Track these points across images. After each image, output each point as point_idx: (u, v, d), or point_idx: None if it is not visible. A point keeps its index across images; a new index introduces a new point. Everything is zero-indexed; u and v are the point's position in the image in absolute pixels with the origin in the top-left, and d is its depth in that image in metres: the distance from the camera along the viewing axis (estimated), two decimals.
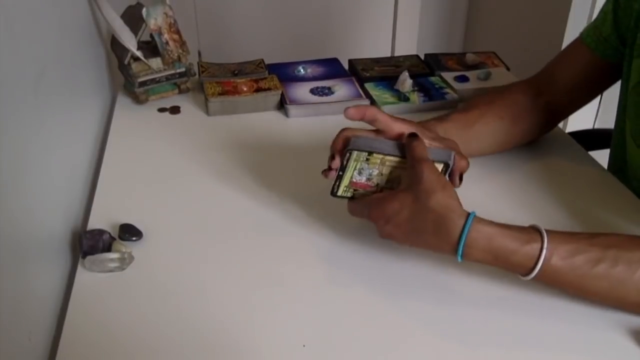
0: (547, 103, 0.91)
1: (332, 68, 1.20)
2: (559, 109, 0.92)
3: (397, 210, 0.65)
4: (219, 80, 1.10)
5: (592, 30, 0.87)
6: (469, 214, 0.63)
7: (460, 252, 0.62)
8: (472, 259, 0.63)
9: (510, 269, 0.63)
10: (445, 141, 0.75)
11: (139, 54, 1.04)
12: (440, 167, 0.69)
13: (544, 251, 0.61)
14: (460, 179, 0.73)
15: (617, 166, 0.90)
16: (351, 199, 0.73)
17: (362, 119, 0.72)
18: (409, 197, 0.65)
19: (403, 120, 0.74)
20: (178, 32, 1.06)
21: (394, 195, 0.67)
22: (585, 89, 0.91)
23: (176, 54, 1.07)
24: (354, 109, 0.72)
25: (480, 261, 0.63)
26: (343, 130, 0.72)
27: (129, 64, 1.05)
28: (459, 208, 0.64)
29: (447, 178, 0.70)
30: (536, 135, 0.94)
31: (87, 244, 0.70)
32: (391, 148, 0.70)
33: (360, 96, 1.08)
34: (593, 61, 0.88)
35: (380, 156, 0.69)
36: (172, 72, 1.09)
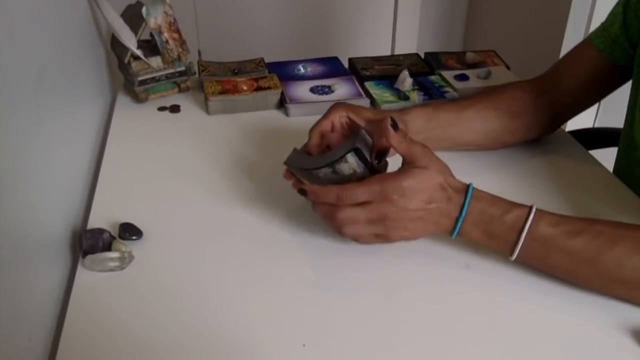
0: (550, 103, 0.91)
1: (332, 67, 1.20)
2: (562, 110, 0.93)
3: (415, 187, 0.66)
4: (219, 79, 1.10)
5: (601, 31, 0.88)
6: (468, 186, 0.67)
7: (463, 215, 0.66)
8: (470, 221, 0.66)
9: (501, 232, 0.65)
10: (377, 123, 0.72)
11: (139, 52, 1.04)
12: (353, 157, 0.68)
13: (533, 209, 0.64)
14: (380, 158, 0.71)
15: (625, 164, 0.90)
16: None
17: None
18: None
19: (342, 107, 0.78)
20: (178, 30, 1.06)
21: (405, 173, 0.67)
22: (591, 90, 0.91)
23: (176, 53, 1.07)
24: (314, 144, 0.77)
25: (475, 226, 0.66)
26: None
27: (129, 62, 1.05)
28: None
29: (364, 162, 0.69)
30: (536, 134, 0.94)
31: (87, 243, 0.70)
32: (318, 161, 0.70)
33: (360, 95, 1.08)
34: (601, 62, 0.88)
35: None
36: (172, 70, 1.09)
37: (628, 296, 0.64)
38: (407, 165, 0.67)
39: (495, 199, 0.67)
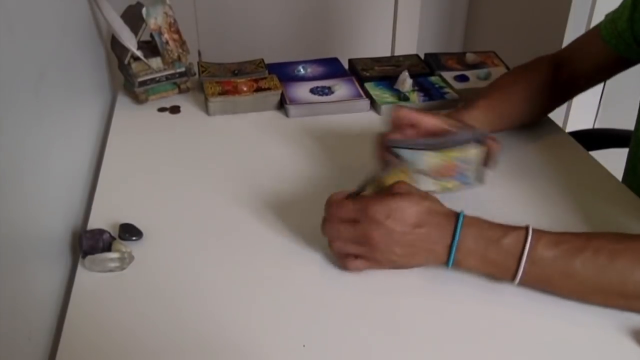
0: (566, 81, 0.94)
1: (332, 68, 1.20)
2: (575, 88, 0.97)
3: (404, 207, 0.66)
4: (219, 80, 1.10)
5: (610, 22, 0.89)
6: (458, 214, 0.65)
7: (456, 241, 0.64)
8: (465, 249, 0.64)
9: (499, 259, 0.63)
10: (473, 129, 0.77)
11: (139, 53, 1.04)
12: (476, 147, 0.73)
13: (530, 231, 0.63)
14: (493, 161, 0.76)
15: (632, 164, 0.91)
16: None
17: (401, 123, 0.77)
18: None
19: (432, 114, 0.77)
20: (178, 31, 1.06)
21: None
22: (596, 76, 0.96)
23: (176, 54, 1.07)
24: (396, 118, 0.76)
25: (471, 253, 0.64)
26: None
27: (129, 63, 1.05)
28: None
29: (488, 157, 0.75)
30: (551, 109, 0.99)
31: (87, 243, 0.70)
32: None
33: (360, 96, 1.08)
34: (606, 53, 0.90)
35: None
36: (172, 71, 1.09)
37: (628, 307, 0.63)
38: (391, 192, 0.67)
39: (488, 224, 0.65)
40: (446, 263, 0.65)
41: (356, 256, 0.67)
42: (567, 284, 0.63)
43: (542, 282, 0.64)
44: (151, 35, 1.06)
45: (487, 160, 0.75)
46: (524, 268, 0.62)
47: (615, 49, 0.88)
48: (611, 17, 0.89)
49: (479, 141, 0.73)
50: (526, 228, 0.63)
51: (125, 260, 0.69)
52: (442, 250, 0.65)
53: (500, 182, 0.87)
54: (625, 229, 0.76)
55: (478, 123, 0.82)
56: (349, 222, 0.66)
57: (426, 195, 0.67)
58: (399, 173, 0.73)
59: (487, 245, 0.63)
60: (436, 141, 0.73)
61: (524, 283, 0.64)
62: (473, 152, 0.73)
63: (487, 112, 0.86)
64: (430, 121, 0.75)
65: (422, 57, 1.24)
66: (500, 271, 0.64)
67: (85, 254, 0.69)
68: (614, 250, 0.61)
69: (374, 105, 1.08)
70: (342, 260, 0.68)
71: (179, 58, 1.08)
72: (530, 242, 0.62)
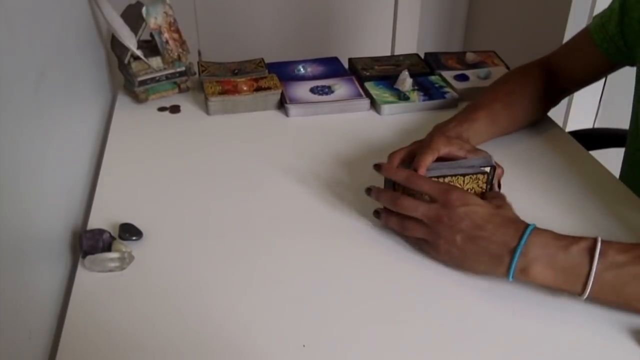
0: (559, 86, 0.96)
1: (332, 67, 1.20)
2: (567, 91, 1.00)
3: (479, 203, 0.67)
4: (219, 80, 1.10)
5: (600, 27, 0.89)
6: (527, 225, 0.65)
7: (521, 245, 0.62)
8: (531, 256, 0.62)
9: (569, 265, 0.61)
10: (480, 152, 0.77)
11: (139, 53, 1.04)
12: (487, 170, 0.75)
13: (599, 239, 0.61)
14: (499, 185, 0.77)
15: (629, 163, 0.91)
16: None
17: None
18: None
19: (444, 141, 0.77)
20: (178, 31, 1.06)
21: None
22: (588, 79, 0.97)
23: (176, 53, 1.07)
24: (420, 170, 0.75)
25: (538, 260, 0.62)
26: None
27: (129, 63, 1.05)
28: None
29: (494, 180, 0.76)
30: (547, 112, 1.01)
31: (87, 243, 0.70)
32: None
33: (360, 95, 1.08)
34: (597, 57, 0.91)
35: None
36: (172, 71, 1.09)
37: None
38: None
39: (557, 234, 0.63)
40: (507, 271, 0.63)
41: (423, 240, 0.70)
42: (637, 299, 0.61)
43: (614, 292, 0.61)
44: (151, 35, 1.06)
45: (491, 185, 0.76)
46: (596, 274, 0.60)
47: (606, 53, 0.88)
48: (600, 22, 0.89)
49: (488, 166, 0.75)
50: (595, 237, 0.62)
51: (125, 260, 0.69)
52: (504, 253, 0.63)
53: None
54: (626, 228, 0.76)
55: (481, 135, 0.85)
56: (426, 200, 0.69)
57: (502, 206, 0.70)
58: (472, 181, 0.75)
59: (555, 251, 0.62)
60: (446, 167, 0.74)
61: (595, 295, 0.61)
62: (480, 178, 0.75)
63: (490, 123, 0.87)
64: (445, 150, 0.76)
65: (422, 56, 1.24)
66: (570, 279, 0.61)
67: (85, 254, 0.69)
68: None
69: (374, 104, 1.08)
70: (411, 241, 0.72)
71: (179, 57, 1.08)
72: (601, 248, 0.60)
